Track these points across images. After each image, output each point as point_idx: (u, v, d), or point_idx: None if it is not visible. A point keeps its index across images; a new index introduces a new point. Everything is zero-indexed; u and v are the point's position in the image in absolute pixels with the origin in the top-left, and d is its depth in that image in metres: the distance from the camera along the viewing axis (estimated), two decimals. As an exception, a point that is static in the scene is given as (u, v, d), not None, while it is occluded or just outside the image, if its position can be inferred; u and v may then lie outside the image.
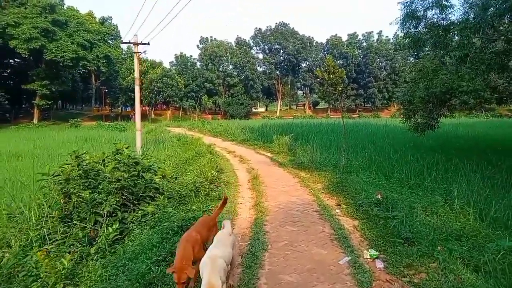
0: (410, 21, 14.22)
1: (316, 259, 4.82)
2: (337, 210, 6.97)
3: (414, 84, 14.27)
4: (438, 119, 13.53)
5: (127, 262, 4.60)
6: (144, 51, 16.30)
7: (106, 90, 61.77)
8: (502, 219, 6.07)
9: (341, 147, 12.25)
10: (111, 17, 67.74)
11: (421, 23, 14.47)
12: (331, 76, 10.37)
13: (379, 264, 4.67)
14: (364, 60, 75.12)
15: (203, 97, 47.37)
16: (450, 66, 12.68)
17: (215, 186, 8.63)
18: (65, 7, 49.24)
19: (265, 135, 20.75)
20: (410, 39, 14.72)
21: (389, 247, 5.10)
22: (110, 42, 61.65)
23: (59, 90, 48.98)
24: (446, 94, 12.21)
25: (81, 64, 49.71)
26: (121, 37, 69.69)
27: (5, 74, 53.26)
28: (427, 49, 15.74)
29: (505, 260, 4.35)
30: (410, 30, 14.72)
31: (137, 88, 16.27)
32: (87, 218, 6.06)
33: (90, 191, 6.32)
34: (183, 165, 11.92)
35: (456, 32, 13.34)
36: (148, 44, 16.51)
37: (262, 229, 5.97)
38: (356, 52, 75.62)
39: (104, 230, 5.63)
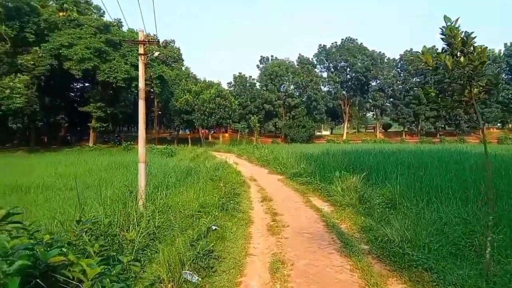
0: None
1: None
2: None
3: None
4: None
5: None
6: (159, 53, 11.70)
7: (160, 112, 60.59)
8: None
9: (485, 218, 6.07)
10: (173, 40, 68.31)
11: None
12: (463, 60, 4.44)
13: None
14: (446, 76, 64.75)
15: (252, 118, 42.56)
16: None
17: None
18: (125, 29, 48.65)
19: (325, 168, 14.77)
20: None
21: None
22: (173, 65, 61.52)
23: (120, 112, 48.16)
24: None
25: (133, 85, 48.80)
26: (183, 60, 69.93)
27: (68, 98, 54.27)
28: None
29: None
30: None
31: (141, 103, 11.25)
32: None
33: None
34: (162, 237, 6.69)
35: None
36: (158, 42, 12.00)
37: None
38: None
39: None
